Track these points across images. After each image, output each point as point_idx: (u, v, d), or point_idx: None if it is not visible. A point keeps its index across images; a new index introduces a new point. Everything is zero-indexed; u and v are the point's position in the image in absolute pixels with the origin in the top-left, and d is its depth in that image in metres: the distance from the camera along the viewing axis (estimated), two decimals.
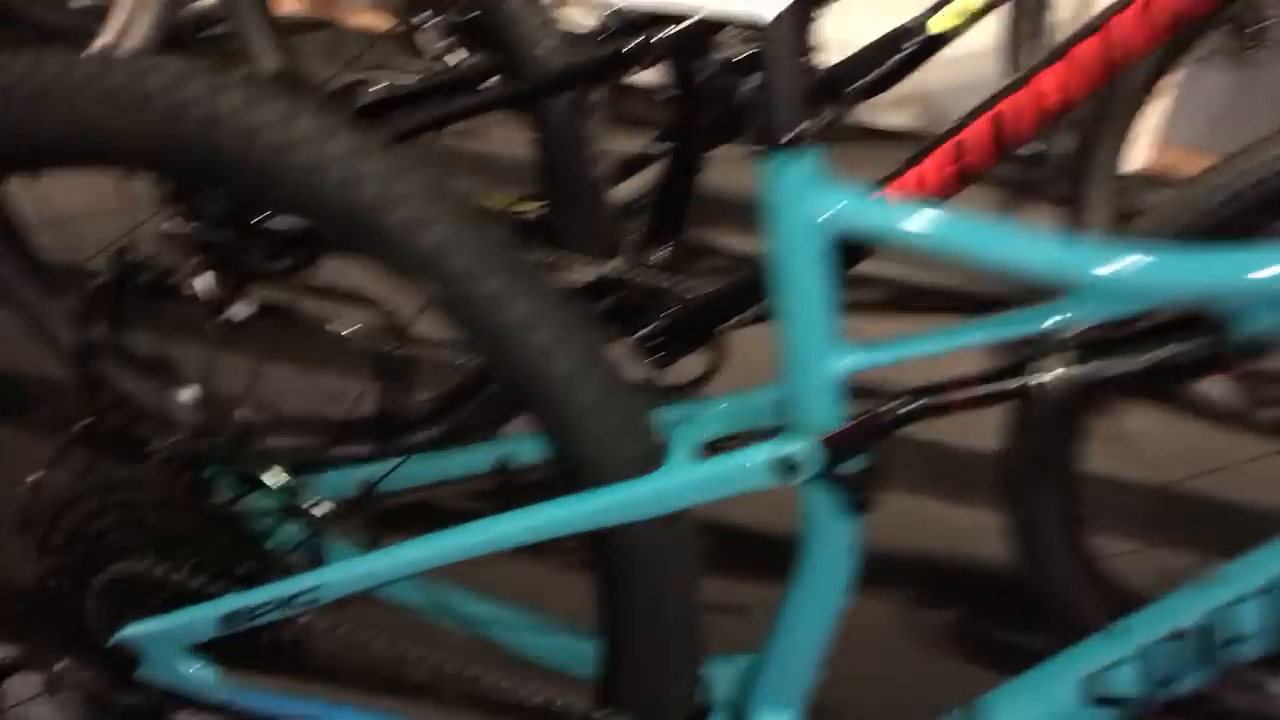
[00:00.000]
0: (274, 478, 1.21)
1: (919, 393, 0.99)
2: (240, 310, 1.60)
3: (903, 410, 0.98)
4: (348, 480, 1.27)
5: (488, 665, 1.12)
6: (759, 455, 1.00)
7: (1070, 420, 1.52)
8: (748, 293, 1.49)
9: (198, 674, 1.13)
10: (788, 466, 0.99)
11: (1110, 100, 2.03)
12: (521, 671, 1.16)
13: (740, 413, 1.10)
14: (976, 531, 1.86)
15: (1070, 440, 1.54)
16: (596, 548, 1.08)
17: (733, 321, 1.52)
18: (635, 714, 1.12)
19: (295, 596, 1.07)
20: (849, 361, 0.98)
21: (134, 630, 1.12)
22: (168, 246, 1.63)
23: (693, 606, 1.10)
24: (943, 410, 0.99)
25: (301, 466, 1.25)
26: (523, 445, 1.24)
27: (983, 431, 1.48)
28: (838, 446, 0.99)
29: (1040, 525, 1.61)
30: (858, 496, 1.01)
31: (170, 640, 1.11)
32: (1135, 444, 1.94)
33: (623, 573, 1.08)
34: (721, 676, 1.19)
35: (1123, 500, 1.89)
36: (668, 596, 1.09)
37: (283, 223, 1.64)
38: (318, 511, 1.21)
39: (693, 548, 1.09)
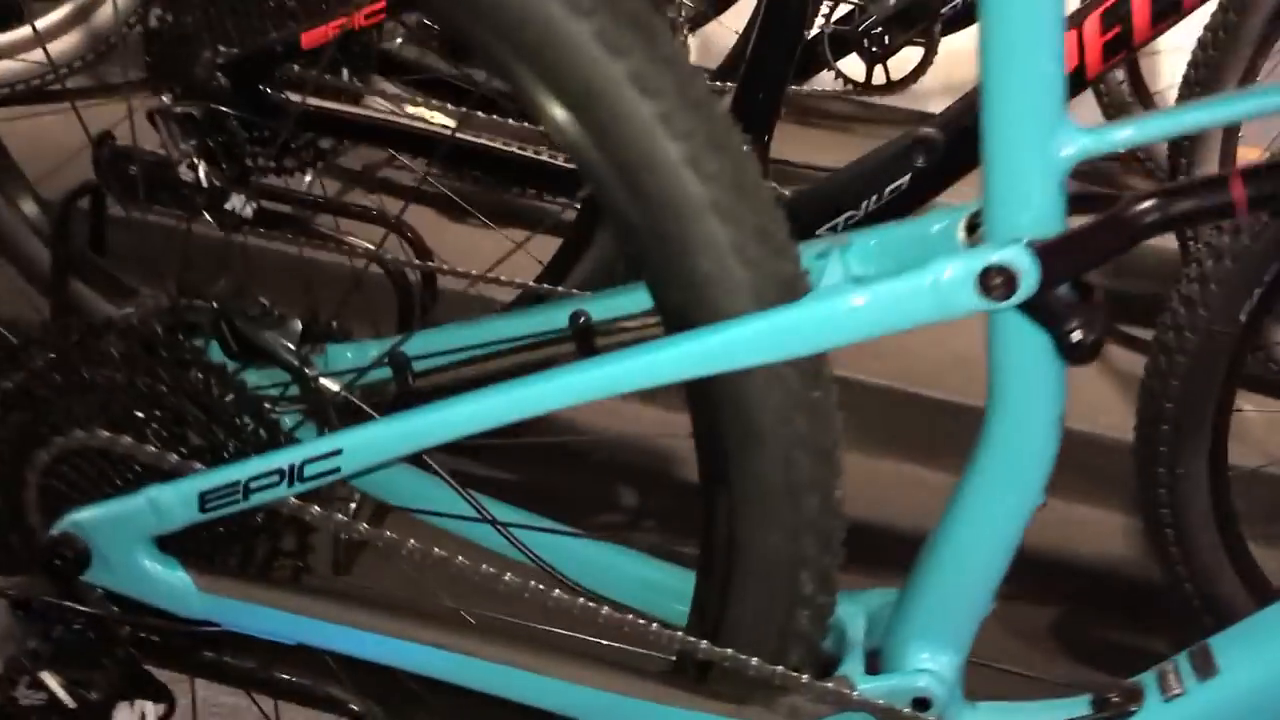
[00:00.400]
0: (277, 343, 0.94)
1: (1171, 194, 0.74)
2: (240, 204, 1.33)
3: (1150, 216, 0.73)
4: (368, 355, 0.99)
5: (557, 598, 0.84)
6: (953, 268, 0.73)
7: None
8: None
9: (166, 576, 0.84)
10: (994, 282, 0.72)
11: None
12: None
13: (897, 244, 0.84)
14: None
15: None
16: (707, 419, 0.81)
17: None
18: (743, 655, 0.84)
19: (306, 466, 0.80)
20: (1077, 145, 0.73)
21: (83, 516, 0.84)
22: (161, 129, 1.37)
23: (833, 503, 0.83)
24: (1195, 218, 0.74)
25: (315, 334, 0.98)
26: (607, 299, 0.97)
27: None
28: (1059, 259, 0.72)
29: (1187, 501, 1.37)
30: (1077, 333, 0.74)
31: (131, 528, 0.83)
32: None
33: (742, 453, 0.81)
34: (853, 616, 0.91)
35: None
36: (802, 485, 0.81)
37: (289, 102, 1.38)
38: (333, 387, 0.94)
39: (837, 422, 0.82)
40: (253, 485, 0.80)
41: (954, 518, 0.83)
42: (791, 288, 0.78)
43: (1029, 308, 0.74)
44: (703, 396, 0.81)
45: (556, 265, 1.41)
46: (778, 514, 0.83)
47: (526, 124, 1.41)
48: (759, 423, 0.80)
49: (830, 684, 0.83)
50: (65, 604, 0.84)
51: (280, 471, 0.79)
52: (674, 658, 0.89)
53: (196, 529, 0.85)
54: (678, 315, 0.79)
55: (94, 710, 0.85)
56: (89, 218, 1.36)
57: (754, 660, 0.83)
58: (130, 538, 0.83)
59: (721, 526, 0.85)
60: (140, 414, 0.86)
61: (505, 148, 1.38)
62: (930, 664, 0.85)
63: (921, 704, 0.84)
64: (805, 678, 0.83)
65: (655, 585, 0.98)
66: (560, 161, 1.40)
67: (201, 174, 1.32)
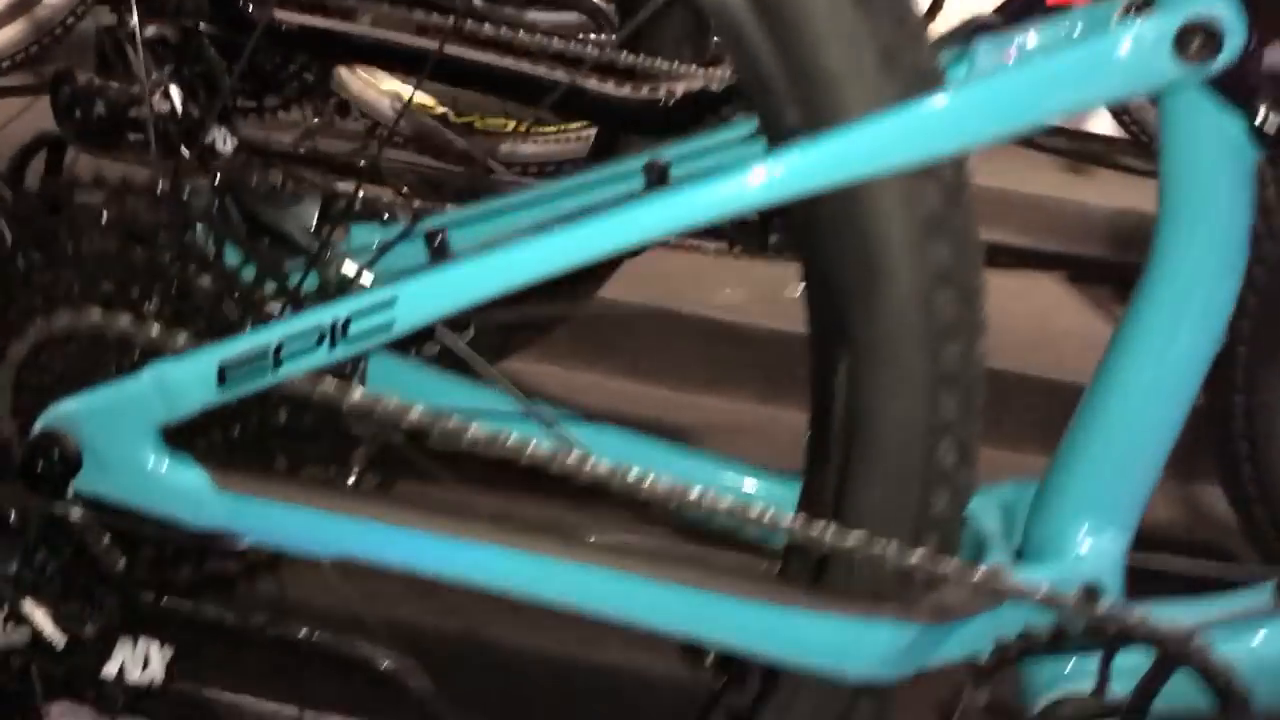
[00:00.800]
0: (291, 222, 0.80)
1: None
2: (221, 139, 1.19)
3: None
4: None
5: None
6: (1145, 27, 0.61)
7: None
8: None
9: (176, 476, 0.69)
10: (1193, 41, 0.60)
11: None
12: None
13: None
14: None
15: None
16: (822, 258, 0.68)
17: None
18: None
19: (352, 322, 0.65)
20: None
21: (73, 407, 0.68)
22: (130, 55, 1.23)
23: (976, 353, 0.70)
24: None
25: (335, 215, 0.84)
26: (687, 144, 0.83)
27: None
28: (1269, 11, 0.61)
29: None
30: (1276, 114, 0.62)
31: (132, 418, 0.67)
32: None
33: (869, 296, 0.68)
34: (988, 511, 0.78)
35: None
36: (943, 332, 0.68)
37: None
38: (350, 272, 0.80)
39: (980, 253, 0.69)
40: (285, 350, 0.65)
41: (1117, 367, 0.71)
42: (930, 82, 0.65)
43: (1224, 83, 0.62)
44: (816, 228, 0.68)
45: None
46: (912, 370, 0.69)
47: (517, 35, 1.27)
48: (890, 253, 0.67)
49: (983, 571, 0.70)
50: (52, 515, 0.68)
51: (320, 331, 0.65)
52: (781, 560, 0.75)
53: (202, 435, 0.70)
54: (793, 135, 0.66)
55: (88, 649, 0.69)
56: (45, 174, 1.21)
57: (889, 543, 0.69)
58: (131, 430, 0.68)
59: (840, 395, 0.71)
60: (136, 291, 0.71)
61: (498, 61, 1.25)
62: (1096, 547, 0.72)
63: (1091, 593, 0.71)
64: (954, 562, 0.69)
65: (753, 495, 0.84)
66: (555, 75, 1.27)
67: (177, 101, 1.18)
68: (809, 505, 0.74)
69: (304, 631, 0.85)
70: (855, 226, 0.67)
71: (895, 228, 0.66)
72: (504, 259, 0.66)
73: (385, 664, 0.87)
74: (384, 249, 0.79)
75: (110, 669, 0.70)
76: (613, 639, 1.21)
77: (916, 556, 0.69)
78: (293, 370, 0.66)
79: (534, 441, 0.69)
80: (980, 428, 0.72)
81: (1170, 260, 0.67)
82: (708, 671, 0.85)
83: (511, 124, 1.89)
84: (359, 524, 0.69)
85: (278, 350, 0.65)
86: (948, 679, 0.73)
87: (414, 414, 0.68)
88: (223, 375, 0.66)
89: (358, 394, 0.68)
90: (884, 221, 0.66)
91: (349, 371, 0.71)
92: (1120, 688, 0.71)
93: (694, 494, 0.69)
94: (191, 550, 0.74)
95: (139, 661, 0.71)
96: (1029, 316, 1.86)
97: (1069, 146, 2.47)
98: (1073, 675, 0.72)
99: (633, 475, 0.69)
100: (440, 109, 1.88)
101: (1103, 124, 2.60)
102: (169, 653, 0.73)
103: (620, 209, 0.66)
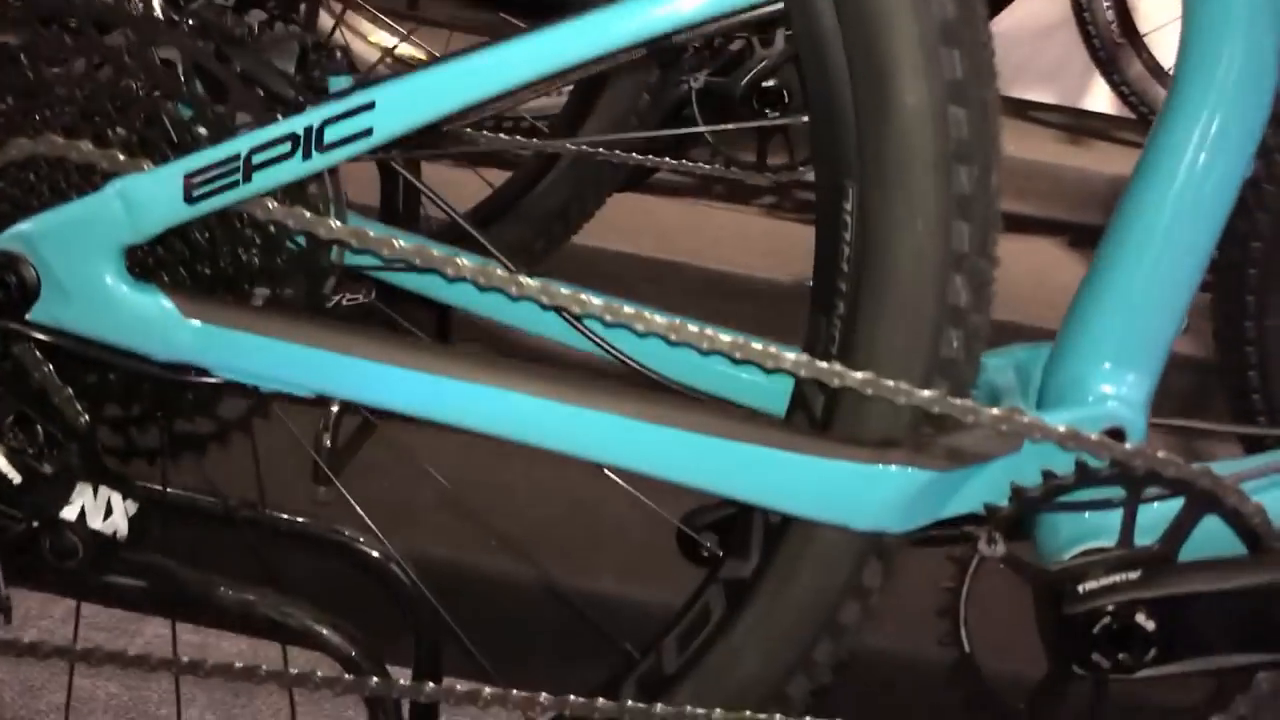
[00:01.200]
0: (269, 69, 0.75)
1: None
2: None
3: None
4: None
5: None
6: None
7: None
8: None
9: (140, 302, 0.64)
10: None
11: None
12: None
13: None
14: None
15: None
16: (820, 71, 0.64)
17: None
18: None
19: (328, 128, 0.61)
20: None
21: (30, 228, 0.64)
22: None
23: (991, 177, 0.66)
24: None
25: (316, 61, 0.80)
26: None
27: None
28: None
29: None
30: None
31: (94, 238, 0.63)
32: None
33: (874, 112, 0.63)
34: (1002, 370, 0.74)
35: None
36: (956, 152, 0.64)
37: None
38: None
39: (993, 59, 0.65)
40: (256, 160, 0.61)
41: (1139, 200, 0.67)
42: None
43: None
44: (819, 39, 0.64)
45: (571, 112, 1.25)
46: (924, 195, 0.65)
47: None
48: (900, 65, 0.63)
49: (1000, 411, 0.65)
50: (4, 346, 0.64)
51: (293, 137, 0.61)
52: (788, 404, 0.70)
53: (164, 262, 0.66)
54: None
55: (45, 489, 0.65)
56: None
57: (901, 385, 0.65)
58: (94, 252, 0.63)
59: (844, 231, 0.67)
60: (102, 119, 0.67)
61: None
62: (1119, 392, 0.68)
63: (1116, 434, 0.67)
64: (970, 403, 0.65)
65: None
66: None
67: None
68: (815, 351, 0.70)
69: (283, 516, 0.81)
70: (863, 33, 0.63)
71: (905, 34, 0.63)
72: (483, 62, 0.62)
73: (364, 550, 0.83)
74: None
75: (69, 512, 0.65)
76: (605, 564, 1.17)
77: (927, 395, 0.65)
78: (265, 183, 0.62)
79: (526, 276, 0.65)
80: (995, 267, 0.69)
81: (1196, 82, 0.64)
82: (705, 559, 0.82)
83: None
84: (336, 358, 0.65)
85: (248, 160, 0.61)
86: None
87: (396, 243, 0.64)
88: (190, 190, 0.62)
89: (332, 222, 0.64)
90: (893, 27, 0.63)
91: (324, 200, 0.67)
92: (1145, 541, 0.67)
93: (694, 328, 0.65)
94: (158, 398, 0.70)
95: (100, 509, 0.67)
96: (1029, 274, 1.83)
97: (1067, 122, 2.45)
98: (1093, 531, 0.68)
99: (629, 308, 0.65)
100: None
101: (1101, 101, 2.58)
102: (133, 507, 0.69)
103: (597, 12, 0.62)
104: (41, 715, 1.11)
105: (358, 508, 0.83)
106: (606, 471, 0.76)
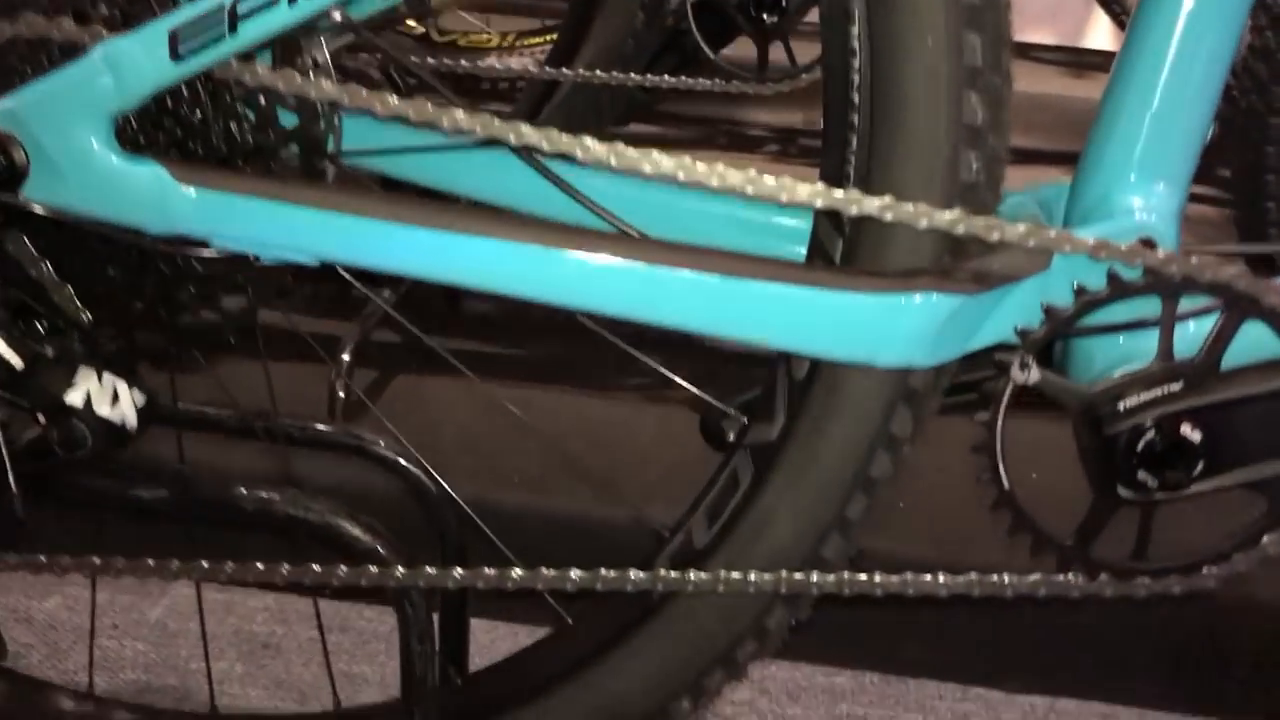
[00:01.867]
0: None
1: None
2: None
3: None
4: None
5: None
6: None
7: None
8: None
9: (133, 172, 0.62)
10: None
11: None
12: None
13: None
14: None
15: None
16: None
17: None
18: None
19: None
20: None
21: (14, 103, 0.62)
22: None
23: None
24: None
25: None
26: None
27: None
28: None
29: None
30: None
31: (81, 106, 0.61)
32: None
33: None
34: (1023, 206, 0.72)
35: None
36: None
37: None
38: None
39: None
40: (241, 8, 0.59)
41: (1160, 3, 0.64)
42: None
43: None
44: None
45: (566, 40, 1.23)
46: (931, 8, 0.63)
47: None
48: None
49: (1027, 226, 0.63)
50: None
51: None
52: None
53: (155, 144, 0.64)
54: None
55: (47, 373, 0.63)
56: None
57: (920, 206, 0.62)
58: (82, 122, 0.61)
59: (853, 60, 0.65)
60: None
61: None
62: (1148, 203, 0.65)
63: (1148, 243, 0.64)
64: (994, 220, 0.63)
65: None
66: None
67: None
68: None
69: (301, 424, 0.79)
70: None
71: None
72: None
73: (386, 454, 0.81)
74: None
75: (75, 397, 0.63)
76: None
77: (949, 215, 0.62)
78: (253, 33, 0.60)
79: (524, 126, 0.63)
80: (1010, 86, 0.66)
81: None
82: (729, 446, 0.79)
83: (496, 39, 1.85)
84: (339, 218, 0.63)
85: (233, 10, 0.60)
86: None
87: (391, 100, 0.62)
88: (176, 46, 0.60)
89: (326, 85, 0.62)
90: None
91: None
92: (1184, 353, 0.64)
93: (703, 167, 0.63)
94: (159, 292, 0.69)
95: (107, 395, 0.65)
96: None
97: (1069, 59, 2.43)
98: (1129, 355, 0.66)
99: (633, 152, 0.63)
100: (420, 29, 1.84)
101: (1101, 38, 2.55)
102: (140, 398, 0.67)
103: None
104: (70, 675, 1.09)
105: (375, 409, 0.81)
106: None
